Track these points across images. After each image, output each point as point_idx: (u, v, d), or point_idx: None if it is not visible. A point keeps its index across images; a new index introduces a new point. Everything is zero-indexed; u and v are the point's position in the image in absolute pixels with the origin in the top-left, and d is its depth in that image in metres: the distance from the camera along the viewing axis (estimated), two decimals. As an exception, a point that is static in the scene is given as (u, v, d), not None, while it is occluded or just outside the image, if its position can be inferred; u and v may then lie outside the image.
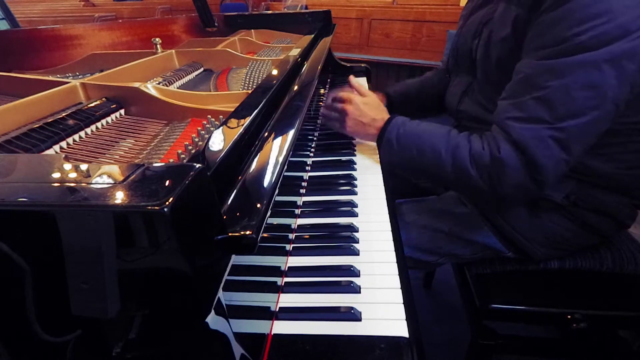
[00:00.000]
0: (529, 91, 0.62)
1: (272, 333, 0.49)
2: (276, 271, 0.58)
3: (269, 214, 0.42)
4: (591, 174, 0.72)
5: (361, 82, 1.58)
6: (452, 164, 0.70)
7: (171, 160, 0.55)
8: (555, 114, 0.60)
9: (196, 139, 0.57)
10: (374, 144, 1.04)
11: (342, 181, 0.84)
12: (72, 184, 0.30)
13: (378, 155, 0.96)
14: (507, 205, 0.80)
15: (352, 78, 0.99)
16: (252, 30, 1.58)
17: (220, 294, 0.36)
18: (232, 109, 0.58)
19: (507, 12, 0.69)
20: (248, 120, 0.52)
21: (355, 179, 0.85)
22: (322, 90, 1.41)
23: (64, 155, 0.36)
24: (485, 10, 0.81)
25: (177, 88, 0.88)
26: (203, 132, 0.60)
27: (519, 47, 0.68)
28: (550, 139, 0.61)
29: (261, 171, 0.48)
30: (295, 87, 0.79)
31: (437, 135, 0.74)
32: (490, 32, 0.75)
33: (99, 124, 0.65)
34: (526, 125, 0.62)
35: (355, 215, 0.73)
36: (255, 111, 0.56)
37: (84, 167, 0.33)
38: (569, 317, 0.78)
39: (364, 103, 0.88)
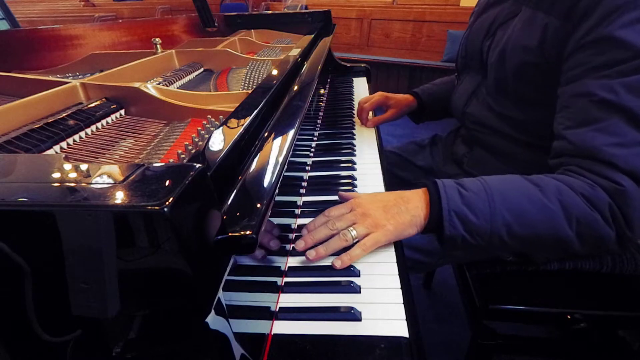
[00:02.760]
0: (613, 113, 0.54)
1: (272, 333, 0.49)
2: (276, 271, 0.58)
3: (269, 214, 0.42)
4: None
5: (360, 83, 1.59)
6: (566, 216, 0.54)
7: (171, 160, 0.55)
8: None
9: (196, 139, 0.58)
10: (374, 143, 1.04)
11: (342, 181, 0.84)
12: (72, 184, 0.30)
13: (378, 155, 0.96)
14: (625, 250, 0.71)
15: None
16: (252, 30, 1.58)
17: (220, 294, 0.36)
18: (232, 109, 0.58)
19: (533, 20, 0.65)
20: (248, 120, 0.52)
21: (355, 179, 0.85)
22: (322, 90, 1.41)
23: (64, 155, 0.36)
24: (498, 9, 0.77)
25: (177, 88, 0.88)
26: (203, 132, 0.60)
27: (544, 58, 0.64)
28: None
29: (261, 171, 0.48)
30: (295, 87, 0.79)
31: (520, 186, 0.57)
32: (509, 38, 0.70)
33: (99, 124, 0.65)
34: (631, 151, 0.54)
35: (355, 215, 0.73)
36: (255, 111, 0.56)
37: (84, 167, 0.33)
38: (569, 317, 0.78)
39: (371, 194, 0.63)
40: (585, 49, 0.58)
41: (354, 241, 0.57)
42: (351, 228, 0.57)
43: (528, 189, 0.56)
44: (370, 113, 1.14)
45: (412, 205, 0.58)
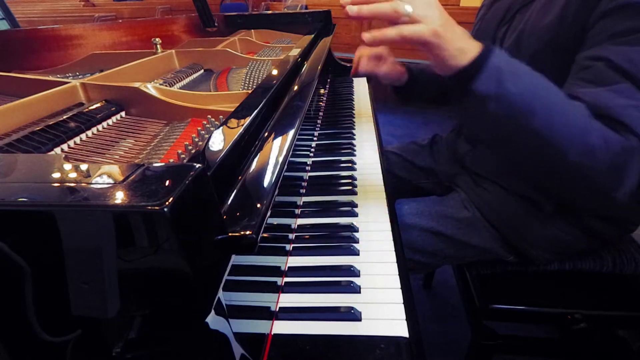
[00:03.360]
0: (627, 80, 0.54)
1: (272, 333, 0.49)
2: (276, 271, 0.58)
3: (269, 214, 0.42)
4: None
5: (360, 83, 1.59)
6: (581, 141, 0.52)
7: (171, 160, 0.55)
8: None
9: (196, 139, 0.58)
10: (374, 143, 1.04)
11: (342, 181, 0.84)
12: (72, 184, 0.30)
13: (378, 155, 0.96)
14: (499, 200, 0.77)
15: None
16: (252, 30, 1.58)
17: (220, 294, 0.36)
18: (232, 109, 0.58)
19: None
20: (248, 120, 0.52)
21: (355, 179, 0.85)
22: (322, 90, 1.41)
23: (64, 156, 0.36)
24: None
25: (177, 88, 0.88)
26: (203, 132, 0.60)
27: (562, 35, 0.63)
28: None
29: (261, 171, 0.48)
30: (295, 87, 0.79)
31: (563, 97, 0.55)
32: (528, 20, 0.69)
33: (99, 126, 0.65)
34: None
35: (355, 215, 0.73)
36: (255, 111, 0.56)
37: (84, 167, 0.33)
38: (569, 317, 0.78)
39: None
40: (606, 17, 0.58)
41: (403, 18, 0.50)
42: (407, 3, 0.50)
43: (567, 101, 0.55)
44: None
45: (466, 43, 0.53)
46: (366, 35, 0.52)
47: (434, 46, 0.51)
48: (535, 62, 0.68)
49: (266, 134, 0.58)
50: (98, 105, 0.70)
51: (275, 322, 0.51)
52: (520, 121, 0.52)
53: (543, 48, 0.67)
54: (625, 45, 0.56)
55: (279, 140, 0.56)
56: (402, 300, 0.53)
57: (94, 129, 0.64)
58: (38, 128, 0.57)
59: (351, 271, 0.59)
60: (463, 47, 0.52)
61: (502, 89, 0.51)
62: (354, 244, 0.65)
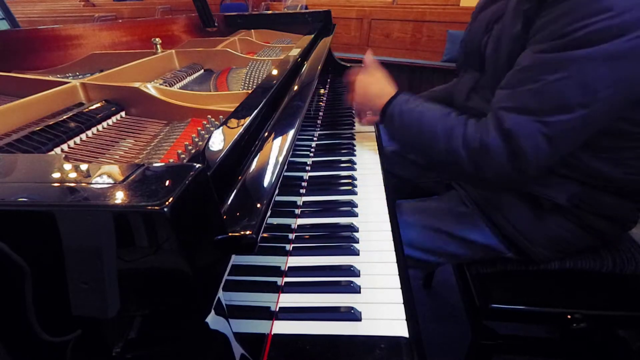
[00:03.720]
0: (523, 83, 0.64)
1: (272, 333, 0.49)
2: (276, 271, 0.58)
3: (269, 214, 0.42)
4: (600, 178, 0.71)
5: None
6: (445, 144, 0.72)
7: (171, 160, 0.55)
8: (544, 107, 0.61)
9: (196, 139, 0.58)
10: (374, 143, 1.05)
11: (342, 181, 0.84)
12: (72, 184, 0.30)
13: (378, 155, 0.96)
14: (498, 195, 0.81)
15: (368, 53, 1.00)
16: (252, 30, 1.58)
17: (220, 294, 0.36)
18: (232, 109, 0.58)
19: (518, 7, 0.69)
20: (248, 120, 0.52)
21: (355, 179, 0.85)
22: (322, 90, 1.41)
23: (64, 156, 0.36)
24: (497, 6, 0.80)
25: (177, 88, 0.88)
26: (203, 132, 0.60)
27: (528, 38, 0.67)
28: (538, 131, 0.62)
29: (261, 171, 0.48)
30: (295, 87, 0.79)
31: (437, 115, 0.76)
32: (502, 29, 0.74)
33: (99, 126, 0.65)
34: (516, 116, 0.64)
35: (355, 215, 0.73)
36: (255, 111, 0.56)
37: (84, 167, 0.33)
38: (569, 317, 0.78)
39: (371, 77, 0.91)
40: (537, 24, 0.64)
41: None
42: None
43: (437, 118, 0.75)
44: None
45: (378, 102, 0.85)
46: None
47: (360, 108, 0.98)
48: (512, 66, 0.71)
49: (266, 134, 0.58)
50: (98, 105, 0.70)
51: (275, 322, 0.51)
52: (405, 134, 0.81)
53: (518, 50, 0.70)
54: (534, 52, 0.63)
55: (279, 140, 0.57)
56: (402, 300, 0.53)
57: (94, 129, 0.64)
58: (38, 128, 0.57)
59: (351, 271, 0.59)
60: (375, 106, 0.86)
61: (392, 123, 0.83)
62: (354, 244, 0.65)
